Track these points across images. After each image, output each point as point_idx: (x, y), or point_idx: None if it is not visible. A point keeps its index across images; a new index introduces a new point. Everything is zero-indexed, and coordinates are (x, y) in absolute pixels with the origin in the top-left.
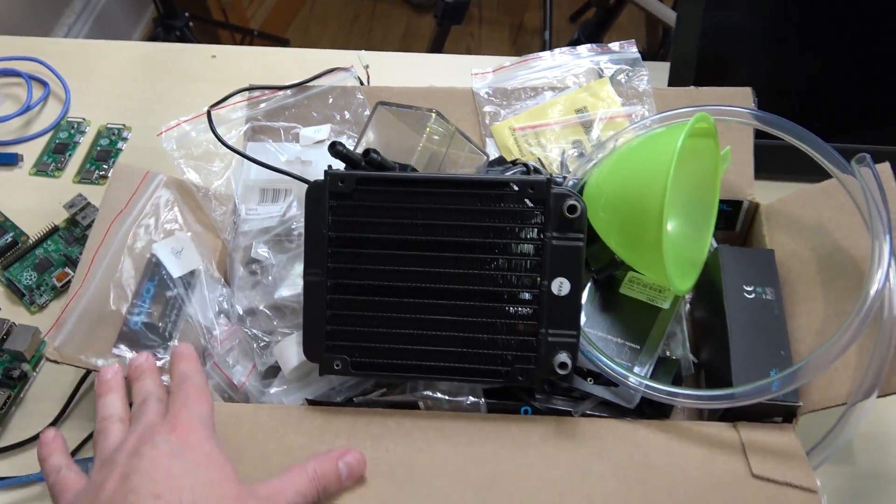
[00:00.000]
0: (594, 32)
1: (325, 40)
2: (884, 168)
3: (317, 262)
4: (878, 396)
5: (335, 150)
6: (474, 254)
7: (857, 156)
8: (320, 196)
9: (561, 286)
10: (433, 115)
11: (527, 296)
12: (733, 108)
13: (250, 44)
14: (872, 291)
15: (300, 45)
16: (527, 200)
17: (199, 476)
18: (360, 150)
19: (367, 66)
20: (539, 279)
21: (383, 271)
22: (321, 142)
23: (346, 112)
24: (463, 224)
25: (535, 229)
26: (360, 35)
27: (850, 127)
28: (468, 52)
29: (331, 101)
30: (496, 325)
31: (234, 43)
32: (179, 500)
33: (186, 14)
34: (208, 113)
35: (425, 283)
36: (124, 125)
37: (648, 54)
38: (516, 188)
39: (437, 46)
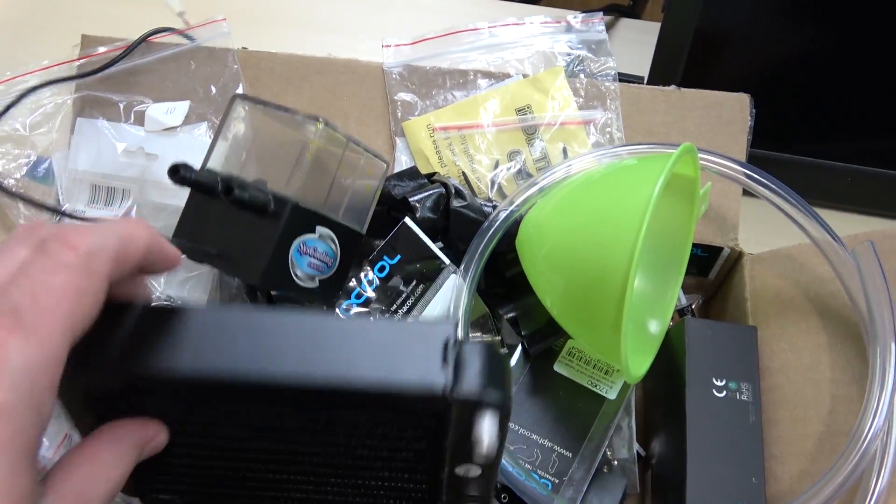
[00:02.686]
0: None
1: None
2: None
3: None
4: None
5: (179, 176)
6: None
7: (863, 243)
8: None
9: None
10: (319, 125)
11: None
12: (720, 158)
13: None
14: (868, 428)
15: None
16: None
17: None
18: (216, 157)
19: None
20: None
21: None
22: (174, 128)
23: (211, 86)
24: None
25: (426, 467)
26: None
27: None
28: None
29: (193, 67)
30: None
31: None
32: None
33: None
34: None
35: None
36: None
37: None
38: (395, 405)
39: None
